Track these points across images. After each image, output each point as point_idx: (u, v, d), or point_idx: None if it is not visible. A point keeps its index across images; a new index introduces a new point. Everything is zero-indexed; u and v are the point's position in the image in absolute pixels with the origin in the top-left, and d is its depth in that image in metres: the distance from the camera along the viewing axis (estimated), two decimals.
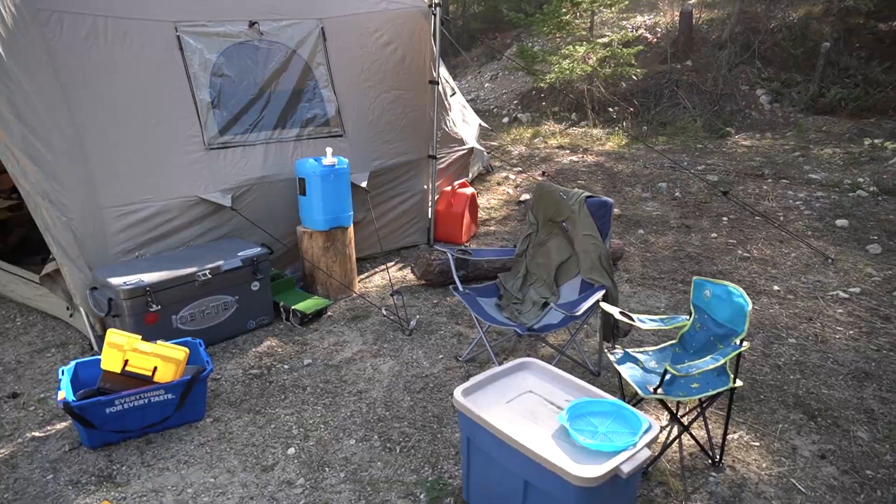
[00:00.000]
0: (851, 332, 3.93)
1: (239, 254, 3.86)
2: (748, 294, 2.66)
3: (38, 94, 3.61)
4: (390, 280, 4.81)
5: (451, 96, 6.27)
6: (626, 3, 11.02)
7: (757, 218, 6.18)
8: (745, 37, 12.26)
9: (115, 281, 3.43)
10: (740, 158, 8.79)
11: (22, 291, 4.34)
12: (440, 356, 3.70)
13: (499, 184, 7.58)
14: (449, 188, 5.63)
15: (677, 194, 7.05)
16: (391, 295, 4.32)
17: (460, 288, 3.57)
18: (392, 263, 5.15)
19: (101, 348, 3.69)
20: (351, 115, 4.87)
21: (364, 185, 4.75)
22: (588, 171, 8.05)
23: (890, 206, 6.32)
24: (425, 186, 5.47)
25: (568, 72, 10.52)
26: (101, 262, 3.76)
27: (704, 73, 12.13)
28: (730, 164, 8.40)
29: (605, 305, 3.03)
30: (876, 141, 9.70)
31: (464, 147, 6.06)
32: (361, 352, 3.75)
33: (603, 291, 3.25)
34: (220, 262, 3.73)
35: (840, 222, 5.92)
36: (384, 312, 4.15)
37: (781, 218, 6.15)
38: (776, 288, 4.62)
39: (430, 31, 5.21)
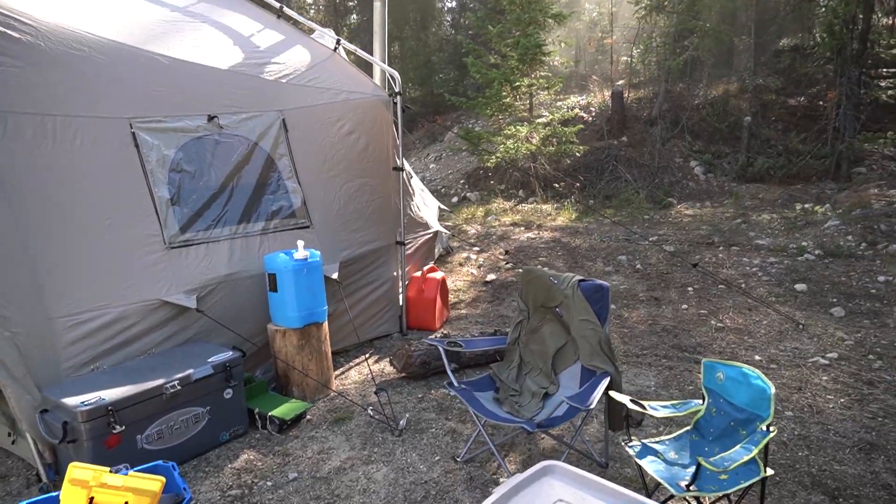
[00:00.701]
0: (842, 399, 3.92)
1: (209, 360, 3.54)
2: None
3: None
4: (371, 375, 4.54)
5: (410, 180, 6.23)
6: (560, 86, 11.55)
7: (720, 286, 6.29)
8: (672, 113, 13.02)
9: (70, 401, 3.05)
10: (688, 228, 9.08)
11: None
12: (436, 457, 3.44)
13: (461, 264, 7.49)
14: (419, 273, 5.48)
15: (638, 266, 7.15)
16: (375, 393, 4.05)
17: (455, 384, 3.36)
18: (368, 356, 4.89)
19: (50, 478, 3.25)
20: (317, 206, 4.72)
21: (335, 276, 4.54)
22: (547, 248, 8.10)
23: (839, 269, 6.58)
24: (395, 273, 5.31)
25: (513, 151, 10.79)
26: (50, 379, 3.36)
27: (640, 148, 12.73)
28: (680, 234, 8.66)
29: (614, 394, 2.89)
30: (806, 205, 10.27)
31: (429, 231, 5.98)
32: (350, 459, 3.44)
33: (608, 379, 3.12)
34: (190, 371, 3.40)
35: (799, 286, 6.09)
36: (370, 413, 3.87)
37: (743, 285, 6.28)
38: (758, 358, 4.62)
39: (391, 119, 5.20)
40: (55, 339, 3.44)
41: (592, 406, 2.86)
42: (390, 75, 5.09)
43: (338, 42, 5.19)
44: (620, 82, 14.57)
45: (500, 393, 3.47)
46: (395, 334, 5.34)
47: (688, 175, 12.17)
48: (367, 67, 5.91)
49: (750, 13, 12.69)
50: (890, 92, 12.35)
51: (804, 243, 7.68)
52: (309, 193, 4.68)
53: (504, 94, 11.04)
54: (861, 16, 10.86)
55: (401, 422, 3.74)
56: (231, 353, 3.64)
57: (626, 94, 13.96)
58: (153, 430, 3.26)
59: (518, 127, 11.15)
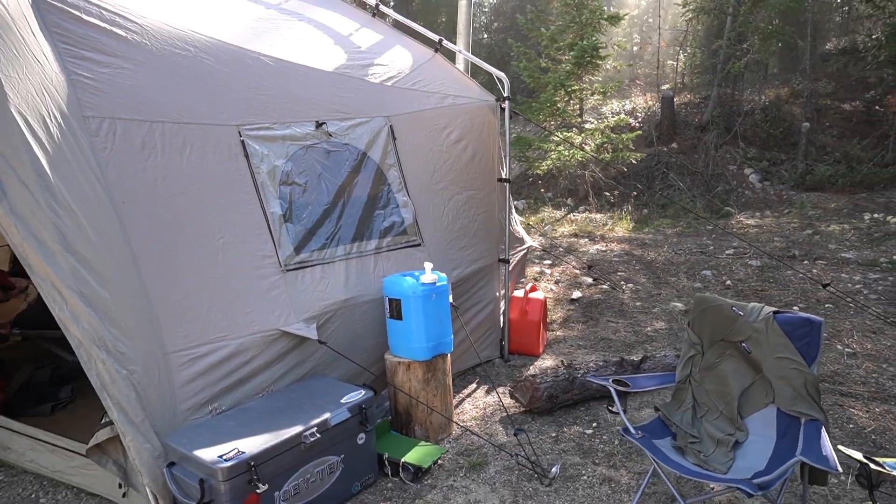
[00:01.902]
0: None
1: (343, 400, 3.12)
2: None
3: (90, 217, 2.89)
4: (500, 409, 4.11)
5: None
6: (616, 89, 11.13)
7: (827, 305, 5.86)
8: (723, 119, 12.60)
9: (204, 455, 2.63)
10: (760, 239, 8.65)
11: (46, 461, 3.41)
12: None
13: (535, 279, 7.07)
14: (519, 293, 5.06)
15: (728, 282, 6.71)
16: (515, 434, 3.62)
17: (633, 431, 2.94)
18: (476, 387, 4.47)
19: None
20: (427, 221, 4.31)
21: (450, 299, 4.12)
22: (622, 261, 7.68)
23: None
24: (497, 294, 4.89)
25: (567, 157, 10.38)
26: (167, 423, 2.95)
27: (691, 155, 12.31)
28: (758, 247, 8.22)
29: (846, 450, 2.47)
30: (875, 215, 9.84)
31: (524, 246, 5.56)
32: None
33: (822, 428, 2.69)
34: (327, 416, 2.98)
35: None
36: (518, 459, 3.43)
37: (852, 305, 5.85)
38: None
39: (498, 127, 4.79)
40: (172, 377, 3.02)
41: (839, 468, 2.43)
42: (498, 78, 4.68)
43: (439, 42, 4.78)
44: (666, 86, 14.16)
45: (679, 440, 3.05)
46: (497, 360, 4.91)
47: (743, 183, 11.75)
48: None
49: (806, 14, 12.27)
50: None
51: (895, 257, 7.24)
52: (418, 208, 4.27)
53: (557, 98, 10.63)
54: None
55: (552, 469, 3.31)
56: (363, 391, 3.22)
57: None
58: (290, 485, 2.84)
59: (568, 133, 10.75)
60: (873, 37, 12.67)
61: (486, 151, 4.71)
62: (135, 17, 3.37)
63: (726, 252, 7.96)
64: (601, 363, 4.24)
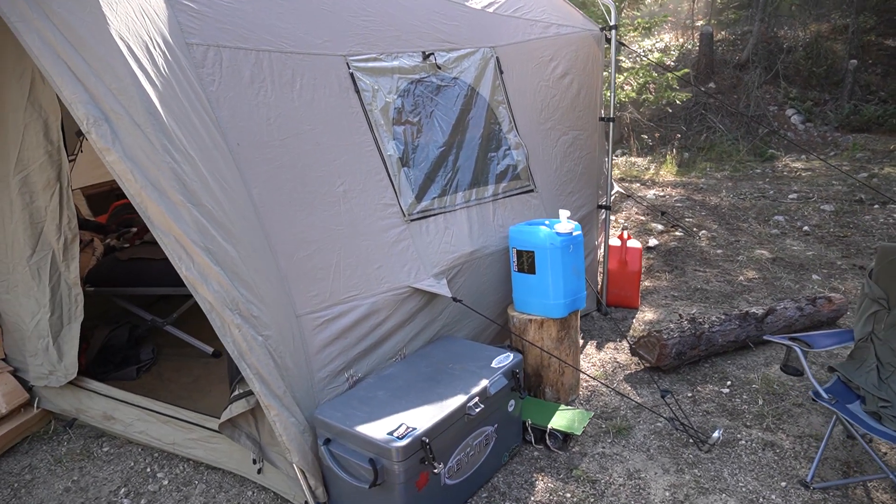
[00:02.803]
0: None
1: (494, 365, 2.81)
2: None
3: (207, 163, 2.49)
4: (621, 365, 3.83)
5: None
6: (661, 22, 10.52)
7: None
8: (763, 57, 12.07)
9: (372, 432, 2.32)
10: (818, 182, 8.32)
11: (158, 432, 3.10)
12: (781, 482, 2.76)
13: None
14: (615, 242, 4.72)
15: (805, 228, 6.41)
16: (662, 395, 3.35)
17: (824, 395, 2.65)
18: (581, 342, 4.18)
19: None
20: (537, 165, 3.92)
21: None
22: (685, 207, 7.34)
23: None
24: (595, 242, 4.55)
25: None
26: (305, 393, 2.63)
27: (730, 96, 11.84)
28: (818, 190, 7.89)
29: None
30: None
31: (614, 191, 5.19)
32: (676, 487, 2.75)
33: None
34: (485, 383, 2.67)
35: None
36: (676, 424, 3.17)
37: None
38: None
39: (602, 59, 4.34)
40: (306, 342, 2.69)
41: None
42: (604, 5, 4.21)
43: None
44: (700, 22, 13.52)
45: (868, 404, 2.77)
46: (594, 313, 4.61)
47: (784, 124, 11.34)
48: None
49: None
50: None
51: None
52: (528, 150, 3.87)
53: None
54: None
55: (714, 434, 3.05)
56: (511, 354, 2.90)
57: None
58: (454, 460, 2.55)
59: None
60: None
61: (590, 87, 4.29)
62: None
63: (790, 196, 7.63)
64: (723, 317, 3.94)
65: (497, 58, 3.79)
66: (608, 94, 4.43)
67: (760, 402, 3.39)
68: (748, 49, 11.97)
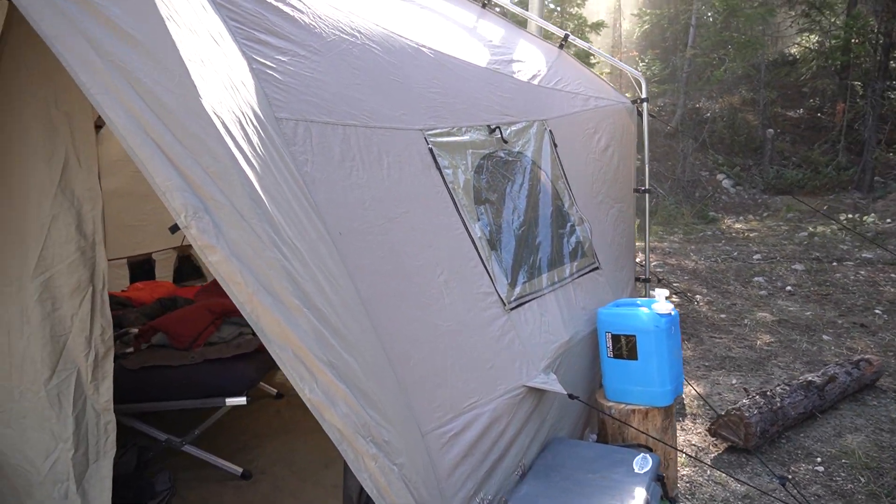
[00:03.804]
0: None
1: (638, 470, 2.48)
2: None
3: (314, 257, 2.09)
4: (698, 447, 3.57)
5: None
6: None
7: None
8: (690, 127, 12.89)
9: None
10: (768, 242, 8.78)
11: None
12: None
13: None
14: None
15: (788, 288, 6.61)
16: (781, 483, 3.10)
17: None
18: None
19: None
20: (597, 240, 3.73)
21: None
22: (667, 272, 7.42)
23: None
24: None
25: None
26: None
27: (665, 162, 12.47)
28: (771, 250, 8.30)
29: None
30: (850, 216, 10.32)
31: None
32: None
33: None
34: (643, 495, 2.32)
35: None
36: None
37: None
38: None
39: (635, 132, 4.31)
40: (435, 465, 2.25)
41: None
42: (635, 79, 4.20)
43: (565, 38, 4.22)
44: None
45: None
46: None
47: (717, 189, 12.03)
48: None
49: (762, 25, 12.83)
50: None
51: None
52: (586, 225, 3.69)
53: None
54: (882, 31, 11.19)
55: None
56: (648, 455, 2.59)
57: None
58: None
59: None
60: (809, 47, 13.44)
61: (626, 158, 4.22)
62: None
63: (755, 257, 7.94)
64: (787, 388, 3.83)
65: (550, 131, 3.63)
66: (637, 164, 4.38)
67: (864, 480, 3.24)
68: (676, 120, 12.75)
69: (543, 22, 4.20)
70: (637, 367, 3.01)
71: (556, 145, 3.63)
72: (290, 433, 3.85)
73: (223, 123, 1.97)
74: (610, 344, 3.07)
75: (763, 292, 6.54)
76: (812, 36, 13.74)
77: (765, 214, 11.02)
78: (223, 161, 1.91)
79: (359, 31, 2.82)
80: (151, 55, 1.88)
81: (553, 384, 2.68)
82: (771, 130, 12.26)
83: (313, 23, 2.61)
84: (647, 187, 4.32)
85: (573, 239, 3.48)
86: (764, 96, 12.92)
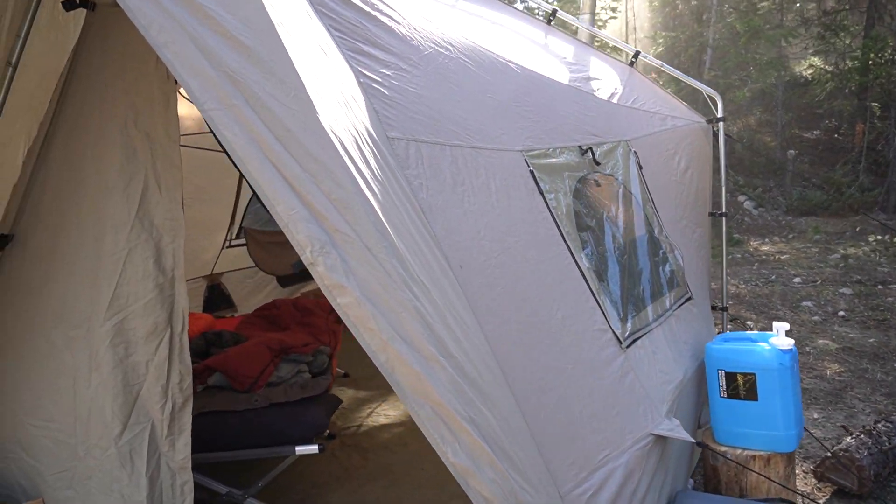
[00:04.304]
0: None
1: None
2: None
3: (442, 296, 1.83)
4: (799, 493, 3.28)
5: None
6: None
7: None
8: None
9: None
10: (802, 265, 8.57)
11: None
12: None
13: None
14: None
15: (841, 313, 6.36)
16: None
17: None
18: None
19: None
20: (686, 267, 3.48)
21: None
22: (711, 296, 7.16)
23: None
24: None
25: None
26: None
27: None
28: (809, 274, 8.07)
29: None
30: (879, 237, 10.14)
31: None
32: None
33: None
34: None
35: None
36: None
37: None
38: None
39: (710, 153, 4.09)
40: None
41: None
42: (710, 97, 3.99)
43: (636, 55, 4.01)
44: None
45: None
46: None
47: (739, 210, 11.84)
48: None
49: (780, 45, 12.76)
50: None
51: None
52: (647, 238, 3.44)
53: None
54: None
55: None
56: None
57: None
58: None
59: None
60: (825, 68, 13.37)
61: (704, 181, 3.99)
62: (389, 3, 2.36)
63: (794, 280, 7.71)
64: (889, 424, 3.56)
65: (635, 152, 3.39)
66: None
67: None
68: None
69: (615, 38, 3.98)
70: (757, 409, 2.73)
71: (640, 167, 3.40)
72: (352, 480, 3.54)
73: (342, 144, 1.73)
74: (724, 383, 2.80)
75: (816, 318, 6.29)
76: (817, 58, 13.68)
77: (790, 236, 10.82)
78: (347, 187, 1.66)
79: (451, 45, 2.59)
80: (266, 66, 1.64)
81: (679, 431, 2.41)
82: (792, 152, 12.14)
83: (410, 34, 2.39)
84: (724, 211, 4.07)
85: (667, 267, 3.22)
86: (781, 117, 12.80)
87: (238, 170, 1.68)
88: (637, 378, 2.48)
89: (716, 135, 4.02)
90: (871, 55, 11.37)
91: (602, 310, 2.53)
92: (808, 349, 5.44)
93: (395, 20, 2.34)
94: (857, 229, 10.51)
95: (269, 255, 5.32)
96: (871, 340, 5.57)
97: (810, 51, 13.30)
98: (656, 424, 2.39)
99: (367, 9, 2.24)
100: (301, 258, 1.58)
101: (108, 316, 2.18)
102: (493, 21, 3.52)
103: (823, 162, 12.86)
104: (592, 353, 2.38)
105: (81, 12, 2.14)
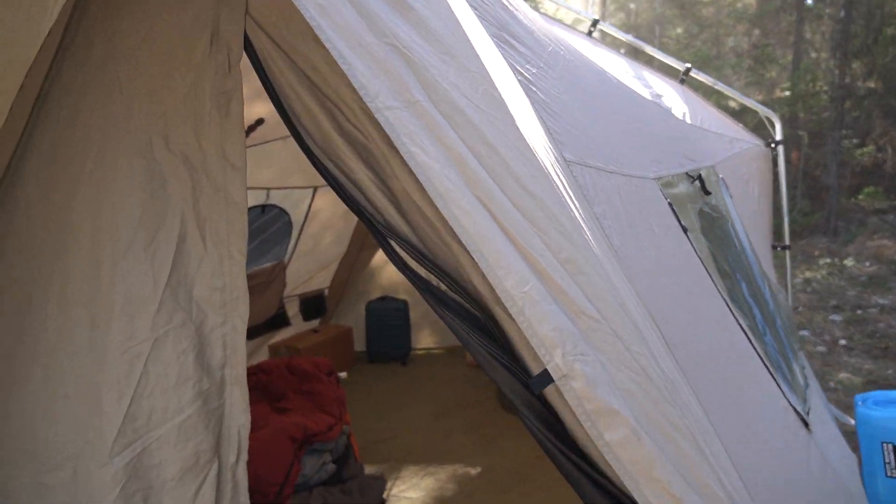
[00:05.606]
0: None
1: None
2: None
3: (651, 335, 1.24)
4: None
5: None
6: None
7: None
8: None
9: None
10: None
11: None
12: None
13: None
14: None
15: (842, 342, 6.18)
16: None
17: None
18: None
19: None
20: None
21: None
22: None
23: None
24: None
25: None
26: None
27: None
28: (804, 296, 7.99)
29: None
30: (826, 259, 10.35)
31: None
32: None
33: None
34: None
35: None
36: None
37: None
38: None
39: (771, 177, 3.70)
40: None
41: None
42: (768, 118, 3.60)
43: (686, 71, 3.57)
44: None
45: None
46: None
47: None
48: None
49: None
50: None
51: None
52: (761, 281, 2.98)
53: None
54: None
55: None
56: None
57: None
58: None
59: None
60: (757, 98, 13.83)
61: (768, 209, 3.58)
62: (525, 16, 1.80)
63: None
64: None
65: (723, 178, 2.92)
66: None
67: None
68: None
69: (663, 55, 3.53)
70: None
71: (728, 189, 2.93)
72: None
73: (554, 170, 1.12)
74: (892, 459, 2.29)
75: (820, 348, 6.06)
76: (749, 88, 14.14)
77: None
78: (574, 239, 1.05)
79: (566, 48, 2.02)
80: (441, 41, 1.01)
81: None
82: None
83: (530, 24, 1.80)
84: (787, 244, 3.67)
85: (783, 314, 2.73)
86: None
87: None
88: (832, 468, 1.93)
89: (774, 159, 3.63)
90: (801, 85, 11.81)
91: (774, 379, 1.98)
92: (832, 384, 5.14)
93: (531, 20, 1.77)
94: (817, 253, 10.70)
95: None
96: (889, 372, 5.35)
97: (742, 83, 13.71)
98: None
99: (509, 6, 1.65)
100: (546, 365, 0.94)
101: (118, 450, 1.34)
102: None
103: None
104: (783, 434, 1.81)
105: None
